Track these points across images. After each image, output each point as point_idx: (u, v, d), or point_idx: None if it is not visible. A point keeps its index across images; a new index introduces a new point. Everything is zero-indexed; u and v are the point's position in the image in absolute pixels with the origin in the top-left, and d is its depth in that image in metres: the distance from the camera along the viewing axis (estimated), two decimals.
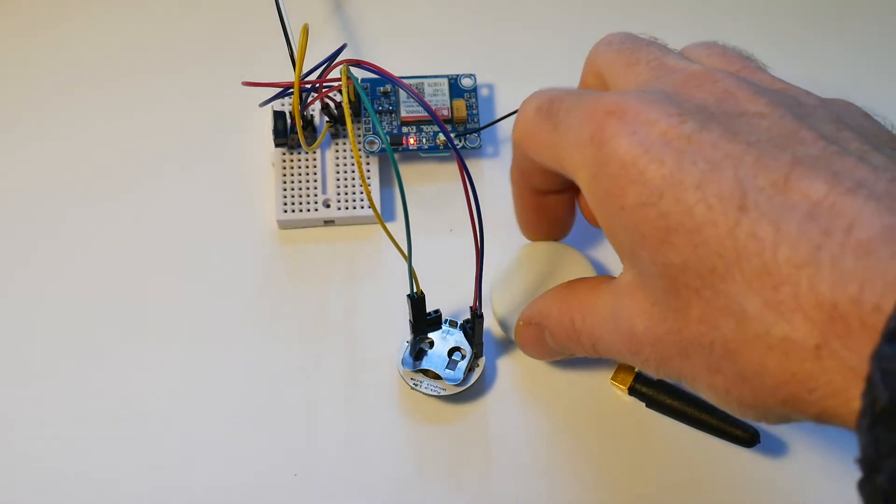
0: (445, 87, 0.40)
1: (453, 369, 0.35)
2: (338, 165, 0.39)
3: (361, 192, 0.39)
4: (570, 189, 0.33)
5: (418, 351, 0.36)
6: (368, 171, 0.39)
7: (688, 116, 0.23)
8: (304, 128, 0.38)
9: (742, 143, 0.22)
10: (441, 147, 0.39)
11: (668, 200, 0.22)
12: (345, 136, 0.40)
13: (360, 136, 0.39)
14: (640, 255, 0.24)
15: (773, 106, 0.24)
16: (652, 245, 0.23)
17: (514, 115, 0.40)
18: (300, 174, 0.39)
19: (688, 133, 0.23)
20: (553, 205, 0.34)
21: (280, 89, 0.36)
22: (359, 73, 0.33)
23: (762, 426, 0.35)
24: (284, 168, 0.39)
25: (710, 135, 0.23)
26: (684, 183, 0.22)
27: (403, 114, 0.40)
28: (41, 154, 0.40)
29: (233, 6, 0.43)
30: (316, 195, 0.39)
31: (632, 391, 0.36)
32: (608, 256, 0.38)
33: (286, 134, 0.39)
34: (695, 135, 0.23)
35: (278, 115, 0.38)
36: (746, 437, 0.34)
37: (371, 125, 0.39)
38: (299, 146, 0.39)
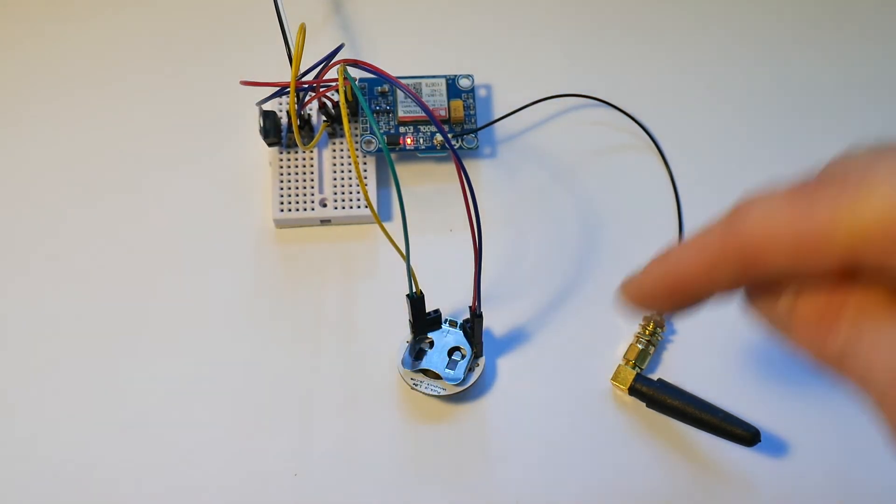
0: (443, 88, 0.40)
1: (453, 369, 0.35)
2: (335, 165, 0.39)
3: (358, 192, 0.39)
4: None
5: (418, 351, 0.36)
6: (365, 170, 0.39)
7: None
8: (300, 127, 0.37)
9: None
10: (438, 147, 0.39)
11: None
12: (342, 136, 0.40)
13: (357, 135, 0.39)
14: None
15: None
16: None
17: (513, 115, 0.41)
18: (297, 173, 0.39)
19: None
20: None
21: (277, 88, 0.36)
22: (357, 73, 0.33)
23: (761, 425, 0.35)
24: (281, 167, 0.39)
25: None
26: None
27: (401, 114, 0.39)
28: (39, 153, 0.40)
29: (232, 6, 0.43)
30: (313, 194, 0.38)
31: (632, 391, 0.36)
32: None
33: (276, 133, 0.38)
34: None
35: (267, 115, 0.38)
36: (746, 436, 0.34)
37: (368, 125, 0.39)
38: (296, 145, 0.39)
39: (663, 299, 0.22)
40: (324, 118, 0.39)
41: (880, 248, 0.17)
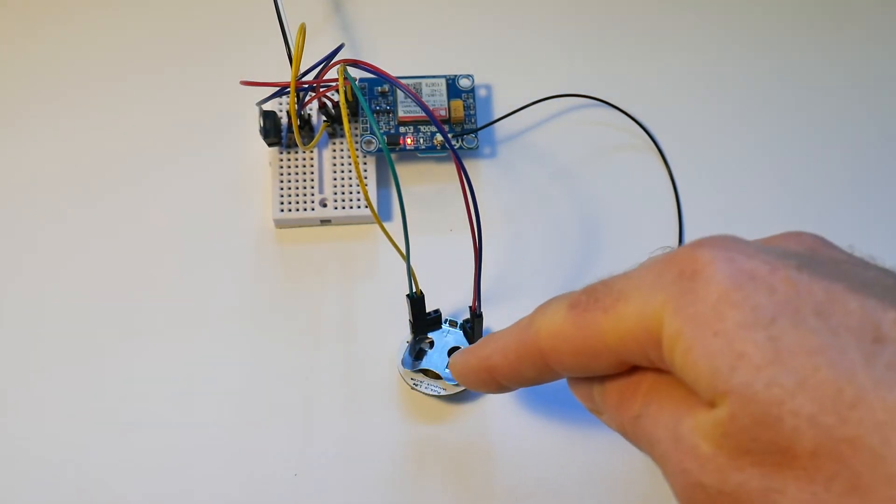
0: (443, 88, 0.40)
1: None
2: (335, 165, 0.39)
3: (358, 192, 0.39)
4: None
5: (418, 351, 0.36)
6: (366, 170, 0.39)
7: (786, 255, 0.21)
8: (300, 127, 0.37)
9: (853, 281, 0.20)
10: (438, 147, 0.39)
11: (783, 324, 0.19)
12: (342, 136, 0.40)
13: (357, 135, 0.39)
14: (730, 379, 0.19)
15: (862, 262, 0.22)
16: (752, 365, 0.19)
17: (513, 115, 0.41)
18: (297, 173, 0.39)
19: (794, 265, 0.20)
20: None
21: (277, 88, 0.36)
22: (357, 73, 0.33)
23: None
24: (281, 167, 0.39)
25: (817, 270, 0.20)
26: (802, 310, 0.19)
27: (401, 114, 0.39)
28: (39, 153, 0.40)
29: (232, 6, 0.43)
30: (313, 194, 0.38)
31: None
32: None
33: (275, 133, 0.39)
34: (804, 266, 0.20)
35: (266, 115, 0.38)
36: None
37: (368, 125, 0.39)
38: (296, 145, 0.39)
39: (482, 384, 0.27)
40: (324, 118, 0.39)
41: (637, 348, 0.22)
